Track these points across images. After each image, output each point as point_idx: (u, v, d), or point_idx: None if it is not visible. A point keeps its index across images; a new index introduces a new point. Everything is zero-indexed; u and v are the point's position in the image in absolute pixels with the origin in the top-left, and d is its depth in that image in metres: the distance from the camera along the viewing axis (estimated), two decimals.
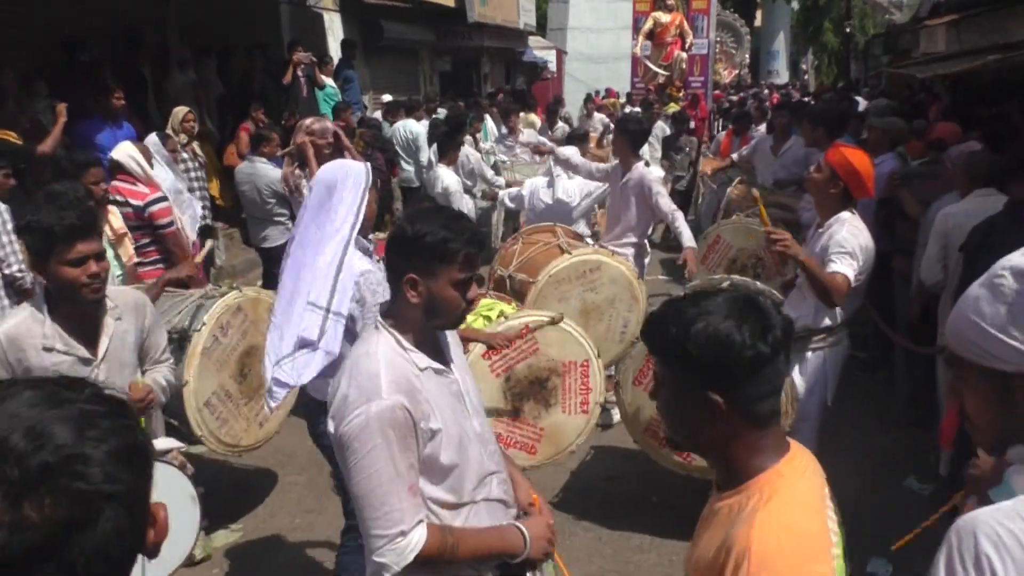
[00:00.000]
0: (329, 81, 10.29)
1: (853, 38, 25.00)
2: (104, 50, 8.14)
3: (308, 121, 5.46)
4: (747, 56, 36.66)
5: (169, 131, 6.52)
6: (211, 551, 3.95)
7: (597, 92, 18.31)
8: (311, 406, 3.02)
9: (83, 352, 2.65)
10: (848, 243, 3.49)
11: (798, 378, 3.74)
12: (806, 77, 35.94)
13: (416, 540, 1.84)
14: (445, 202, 6.74)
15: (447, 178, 6.78)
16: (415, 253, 1.90)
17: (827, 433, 4.07)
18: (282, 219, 6.41)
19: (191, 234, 5.42)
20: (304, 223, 2.84)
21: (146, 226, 4.86)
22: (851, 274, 3.45)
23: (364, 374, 1.87)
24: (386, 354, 1.90)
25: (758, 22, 40.05)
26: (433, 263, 1.89)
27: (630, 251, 5.34)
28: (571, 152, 6.40)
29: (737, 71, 35.40)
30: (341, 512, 4.33)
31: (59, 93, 6.61)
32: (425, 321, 1.97)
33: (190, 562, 3.83)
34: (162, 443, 2.88)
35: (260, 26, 10.90)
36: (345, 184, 2.82)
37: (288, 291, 2.78)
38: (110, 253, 4.60)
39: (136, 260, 4.76)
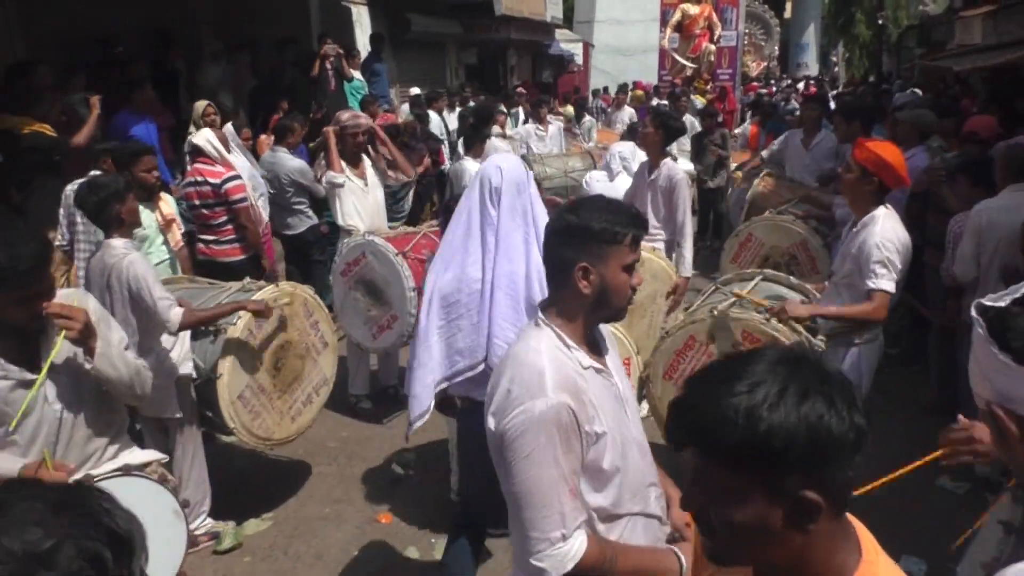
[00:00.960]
0: (357, 74, 10.34)
1: (886, 30, 24.61)
2: (138, 46, 8.25)
3: (344, 116, 5.54)
4: (776, 48, 36.25)
5: (192, 126, 6.60)
6: (242, 539, 4.01)
7: (626, 84, 18.18)
8: (464, 406, 2.94)
9: (20, 374, 2.42)
10: (885, 249, 3.45)
11: None
12: (836, 70, 35.45)
13: (577, 547, 1.77)
14: None
15: (473, 171, 6.77)
16: (585, 240, 1.84)
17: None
18: (301, 207, 6.60)
19: (264, 214, 5.83)
20: (504, 229, 2.72)
21: (222, 203, 5.33)
22: (891, 286, 3.44)
23: (528, 370, 1.79)
24: (549, 350, 1.83)
25: (788, 14, 39.58)
26: (603, 247, 1.85)
27: (661, 247, 5.31)
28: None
29: (766, 64, 35.02)
30: (368, 502, 4.41)
31: (94, 88, 6.70)
32: (591, 313, 1.91)
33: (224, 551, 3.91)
34: (141, 456, 2.74)
35: (289, 20, 10.97)
36: (520, 190, 2.75)
37: (512, 307, 2.72)
38: (159, 239, 4.72)
39: (209, 239, 5.42)
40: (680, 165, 11.22)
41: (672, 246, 5.44)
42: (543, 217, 2.75)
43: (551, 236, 1.92)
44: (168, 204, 4.79)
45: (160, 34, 8.52)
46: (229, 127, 6.28)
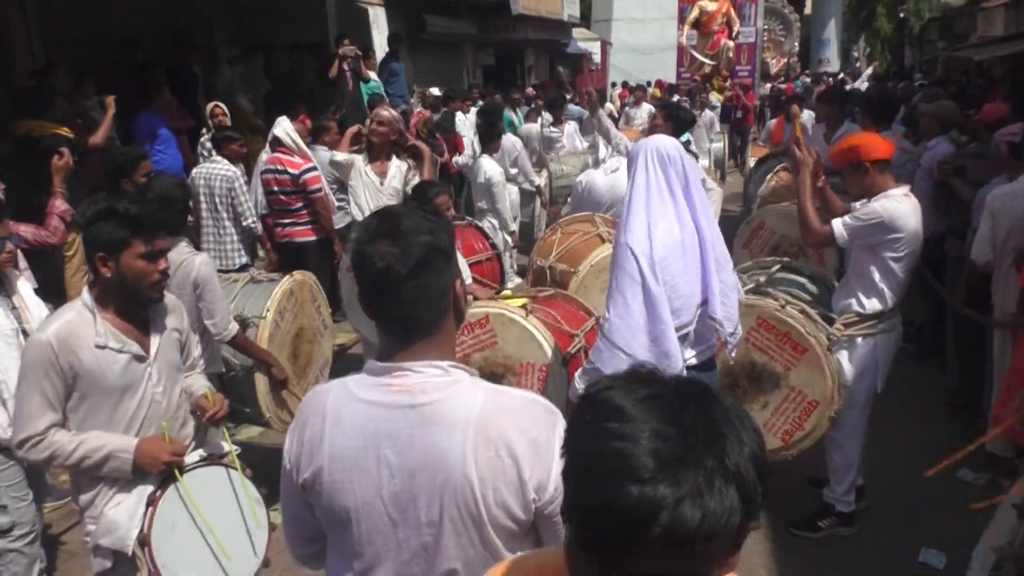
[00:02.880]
0: (373, 75, 10.39)
1: (907, 23, 24.33)
2: (157, 50, 8.34)
3: (385, 114, 5.51)
4: (796, 44, 35.94)
5: (205, 128, 6.69)
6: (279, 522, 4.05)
7: (648, 83, 18.13)
8: None
9: (137, 349, 2.54)
10: (872, 213, 3.47)
11: (846, 364, 3.67)
12: (858, 65, 35.08)
13: None
14: (487, 192, 6.76)
15: (490, 168, 6.80)
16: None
17: (878, 422, 4.00)
18: (343, 203, 6.56)
19: (334, 200, 6.27)
20: (692, 196, 3.01)
21: (299, 191, 5.82)
22: (842, 232, 3.53)
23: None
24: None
25: (808, 10, 39.25)
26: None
27: None
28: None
29: (786, 59, 34.73)
30: None
31: (111, 91, 6.78)
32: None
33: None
34: (217, 447, 2.80)
35: (306, 23, 11.05)
36: (690, 164, 3.06)
37: (715, 265, 3.03)
38: None
39: (286, 222, 5.95)
40: (702, 163, 11.21)
41: None
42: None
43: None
44: None
45: (178, 37, 8.60)
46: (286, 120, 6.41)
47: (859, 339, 3.66)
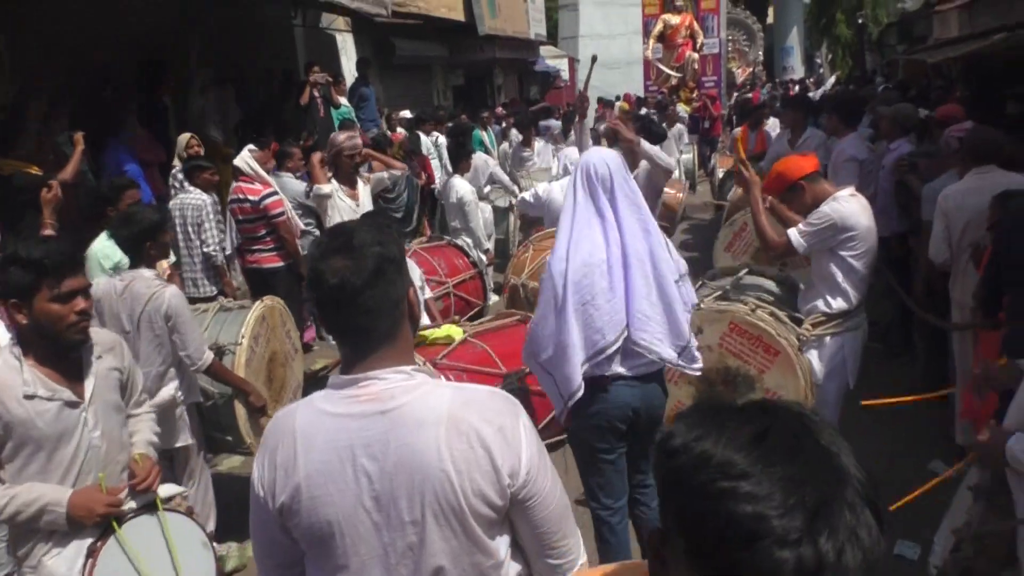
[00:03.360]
0: (343, 100, 10.47)
1: (867, 28, 24.82)
2: (128, 80, 8.35)
3: (341, 138, 5.75)
4: (761, 53, 36.47)
5: (176, 159, 6.74)
6: (246, 560, 4.04)
7: (617, 97, 18.34)
8: None
9: (69, 395, 2.45)
10: (820, 215, 3.61)
11: (817, 364, 3.77)
12: (821, 71, 35.68)
13: None
14: (460, 211, 6.84)
15: (462, 188, 6.88)
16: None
17: (850, 419, 4.09)
18: (309, 227, 6.71)
19: (300, 224, 6.35)
20: (622, 213, 2.97)
21: (261, 217, 5.92)
22: (799, 241, 3.65)
23: None
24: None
25: (770, 19, 39.85)
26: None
27: None
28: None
29: (751, 69, 35.22)
30: None
31: (82, 123, 6.79)
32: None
33: (227, 574, 3.94)
34: (166, 489, 2.72)
35: (276, 50, 11.11)
36: (626, 176, 3.04)
37: (644, 283, 2.95)
38: None
39: (253, 248, 6.00)
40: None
41: None
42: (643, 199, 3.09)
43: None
44: None
45: (150, 67, 8.62)
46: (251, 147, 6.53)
47: (827, 338, 3.77)
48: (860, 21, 23.48)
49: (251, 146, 6.30)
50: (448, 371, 3.62)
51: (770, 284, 4.21)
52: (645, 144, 5.08)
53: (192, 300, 5.99)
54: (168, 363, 3.59)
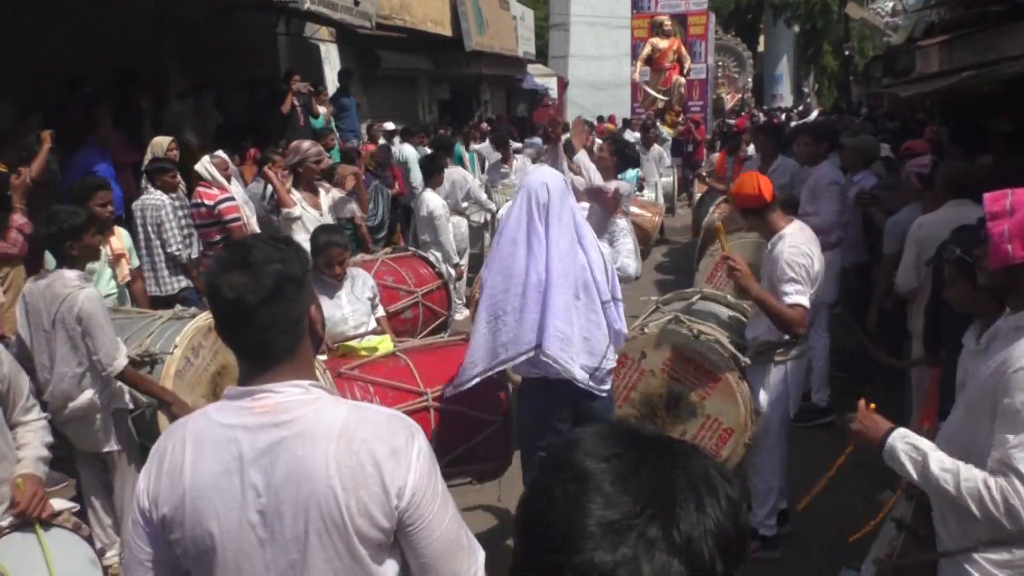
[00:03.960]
0: (323, 110, 10.47)
1: (853, 60, 25.13)
2: (104, 85, 8.31)
3: (306, 145, 5.69)
4: (750, 80, 36.89)
5: (149, 158, 6.68)
6: None
7: (601, 118, 18.45)
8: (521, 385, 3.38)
9: None
10: (793, 266, 3.58)
11: (760, 391, 3.77)
12: (809, 101, 36.08)
13: None
14: (430, 225, 6.83)
15: (432, 202, 6.87)
16: None
17: (803, 447, 4.09)
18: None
19: (256, 230, 6.15)
20: (553, 236, 3.09)
21: (216, 222, 5.87)
22: (806, 300, 3.57)
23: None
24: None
25: (761, 47, 40.31)
26: None
27: None
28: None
29: (740, 95, 35.60)
30: None
31: (55, 126, 6.77)
32: None
33: None
34: (54, 504, 2.63)
35: (258, 59, 11.10)
36: (564, 197, 3.16)
37: (564, 302, 3.08)
38: (107, 273, 4.74)
39: (210, 255, 5.86)
40: (647, 196, 11.38)
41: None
42: (583, 222, 3.25)
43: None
44: (120, 239, 4.84)
45: (126, 73, 8.59)
46: (221, 153, 6.54)
47: (771, 366, 3.77)
48: (847, 53, 23.78)
49: (218, 152, 6.31)
50: (354, 382, 3.52)
51: (723, 311, 4.22)
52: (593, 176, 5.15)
53: (156, 299, 6.01)
54: (85, 365, 3.53)
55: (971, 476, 1.97)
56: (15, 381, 2.67)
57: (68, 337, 3.49)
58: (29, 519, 2.50)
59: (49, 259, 3.95)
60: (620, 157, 5.56)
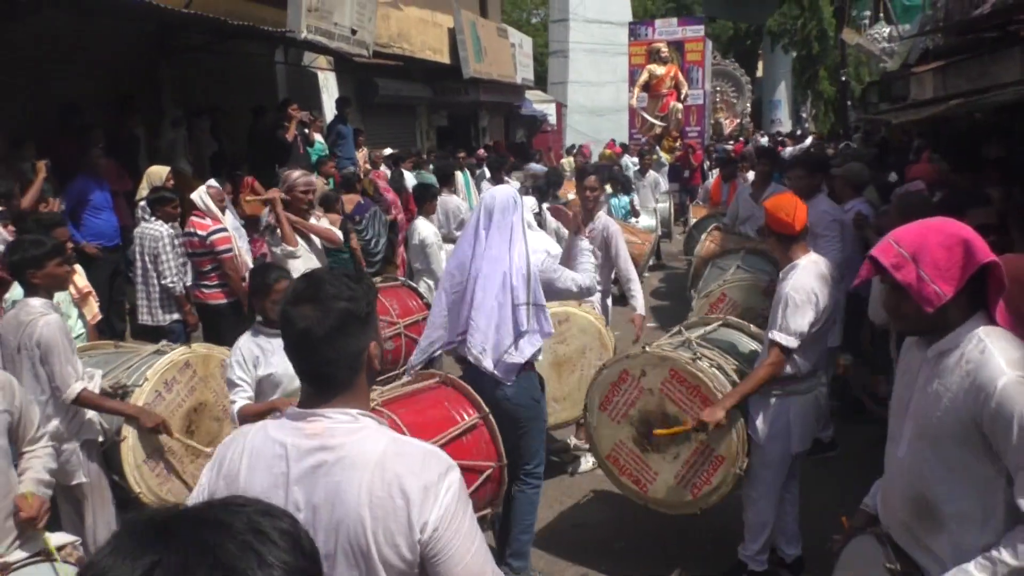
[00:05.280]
0: (319, 137, 10.53)
1: (849, 86, 25.27)
2: (98, 114, 8.36)
3: (295, 175, 5.59)
4: (748, 105, 37.07)
5: (144, 187, 6.69)
6: None
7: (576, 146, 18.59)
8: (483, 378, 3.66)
9: None
10: (791, 300, 3.53)
11: (760, 424, 3.68)
12: (807, 126, 36.27)
13: None
14: (422, 253, 6.81)
15: (424, 230, 6.85)
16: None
17: (804, 476, 4.02)
18: None
19: (248, 262, 6.27)
20: (491, 240, 3.57)
21: (208, 252, 5.88)
22: (788, 340, 3.52)
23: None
24: None
25: (760, 72, 40.58)
26: None
27: (596, 298, 5.36)
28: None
29: (739, 120, 35.79)
30: None
31: (50, 155, 6.79)
32: None
33: None
34: (58, 538, 2.65)
35: (257, 86, 11.17)
36: (505, 210, 3.61)
37: (483, 299, 3.55)
38: (75, 312, 4.70)
39: (201, 283, 5.98)
40: (643, 221, 11.38)
41: (607, 296, 5.55)
42: (520, 236, 3.64)
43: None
44: (83, 277, 4.78)
45: (121, 100, 8.64)
46: (213, 182, 6.45)
47: (773, 399, 3.70)
48: (843, 79, 23.92)
49: (211, 181, 6.31)
50: None
51: (744, 340, 4.17)
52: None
53: (146, 329, 6.01)
54: (47, 393, 3.51)
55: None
56: (26, 412, 2.72)
57: (32, 364, 3.49)
58: (37, 540, 2.53)
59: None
60: (613, 183, 5.57)
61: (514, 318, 3.57)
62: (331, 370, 1.64)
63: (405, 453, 1.61)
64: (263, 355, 3.38)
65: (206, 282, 6.02)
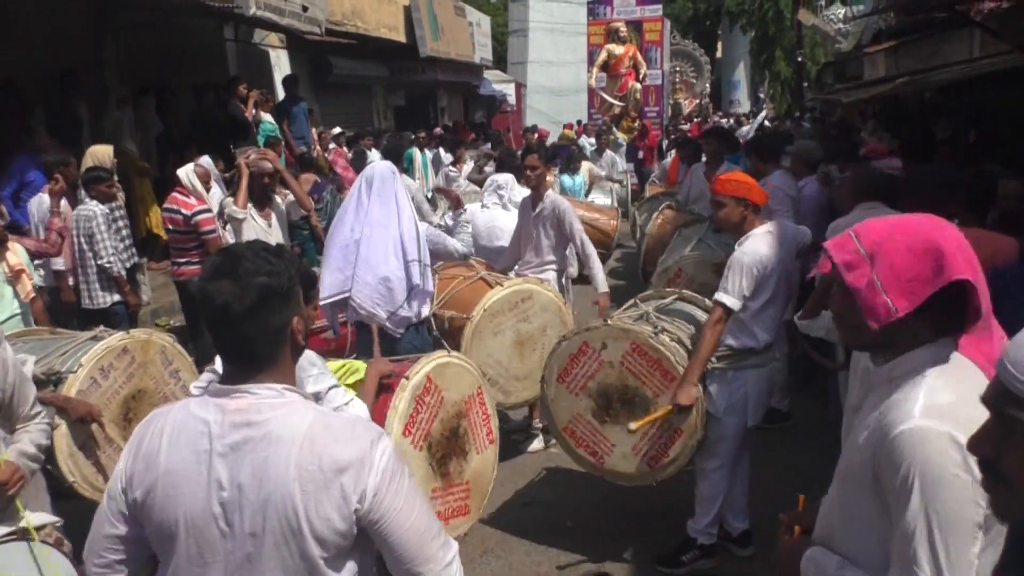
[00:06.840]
0: (268, 117, 10.36)
1: (805, 66, 25.54)
2: (38, 91, 8.08)
3: (251, 157, 5.82)
4: (708, 86, 37.28)
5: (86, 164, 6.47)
6: None
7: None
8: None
9: None
10: (742, 259, 3.57)
11: (718, 396, 3.70)
12: (765, 106, 36.62)
13: None
14: None
15: None
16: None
17: (754, 450, 4.06)
18: None
19: (231, 240, 6.10)
20: (372, 205, 3.97)
21: (191, 232, 5.89)
22: (731, 300, 3.55)
23: None
24: None
25: (719, 53, 40.87)
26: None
27: (552, 276, 5.35)
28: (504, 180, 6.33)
29: (698, 100, 35.97)
30: None
31: None
32: None
33: None
34: (38, 518, 2.56)
35: (206, 64, 10.90)
36: (384, 180, 4.03)
37: (372, 257, 3.93)
38: (9, 292, 4.53)
39: (180, 260, 6.01)
40: (599, 199, 11.36)
41: (563, 274, 5.51)
42: (406, 203, 4.07)
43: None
44: (16, 255, 4.59)
45: (64, 77, 8.37)
46: (207, 159, 6.42)
47: (731, 373, 3.71)
48: (799, 59, 24.16)
49: (203, 159, 6.27)
50: None
51: (699, 313, 4.15)
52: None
53: (87, 312, 5.83)
54: None
55: None
56: (20, 390, 2.60)
57: None
58: (9, 509, 2.47)
59: None
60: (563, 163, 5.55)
61: (407, 274, 3.96)
62: (253, 346, 1.60)
63: (333, 425, 1.61)
64: None
65: (188, 259, 5.98)
